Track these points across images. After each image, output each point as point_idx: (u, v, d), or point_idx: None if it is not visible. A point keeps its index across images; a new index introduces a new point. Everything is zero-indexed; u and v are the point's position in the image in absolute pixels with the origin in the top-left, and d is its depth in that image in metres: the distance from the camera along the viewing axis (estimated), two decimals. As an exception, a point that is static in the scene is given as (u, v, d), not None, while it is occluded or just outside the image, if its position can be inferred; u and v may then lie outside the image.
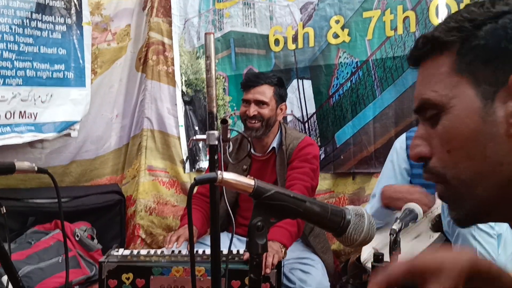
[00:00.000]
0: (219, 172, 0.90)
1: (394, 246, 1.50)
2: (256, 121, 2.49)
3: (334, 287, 2.52)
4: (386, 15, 2.82)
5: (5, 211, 1.52)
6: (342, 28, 2.95)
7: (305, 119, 3.12)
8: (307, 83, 3.09)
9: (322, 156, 3.08)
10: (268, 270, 1.98)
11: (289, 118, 3.16)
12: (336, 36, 2.98)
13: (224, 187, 1.34)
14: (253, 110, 2.48)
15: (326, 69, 3.02)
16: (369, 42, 2.89)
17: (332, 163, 3.05)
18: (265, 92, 2.52)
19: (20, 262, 2.68)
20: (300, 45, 3.09)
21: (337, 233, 0.93)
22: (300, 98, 3.10)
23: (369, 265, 2.00)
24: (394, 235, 1.51)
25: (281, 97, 2.59)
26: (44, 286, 2.65)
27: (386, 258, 1.53)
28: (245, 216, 2.53)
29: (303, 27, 3.07)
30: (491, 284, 0.78)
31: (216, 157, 1.56)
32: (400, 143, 2.25)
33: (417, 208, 1.71)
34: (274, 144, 2.58)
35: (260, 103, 2.50)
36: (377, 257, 1.49)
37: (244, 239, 2.63)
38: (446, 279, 0.70)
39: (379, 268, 1.44)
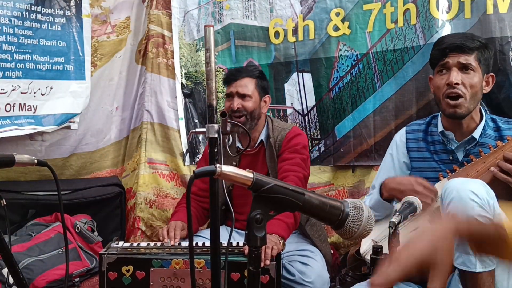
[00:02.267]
0: (218, 165, 0.90)
1: (393, 238, 1.50)
2: (240, 115, 2.50)
3: (333, 279, 2.53)
4: (386, 8, 2.81)
5: (5, 203, 1.53)
6: (343, 20, 2.94)
7: (305, 112, 3.12)
8: (307, 76, 3.08)
9: (322, 149, 3.08)
10: (267, 262, 1.99)
11: (289, 111, 3.16)
12: (336, 28, 2.97)
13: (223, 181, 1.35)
14: (236, 103, 2.49)
15: (326, 62, 3.01)
16: (369, 34, 2.88)
17: (332, 156, 3.05)
18: (247, 85, 2.53)
19: (20, 254, 2.69)
20: (300, 37, 3.08)
21: (335, 226, 0.94)
22: (300, 91, 3.10)
23: (368, 257, 2.00)
24: (393, 228, 1.51)
25: (263, 89, 2.60)
26: (45, 278, 2.66)
27: (385, 250, 1.54)
28: (239, 212, 2.54)
29: (303, 20, 3.06)
30: (478, 239, 0.84)
31: (216, 150, 1.56)
32: (400, 136, 2.25)
33: (417, 201, 1.71)
34: (262, 137, 2.59)
35: (243, 96, 2.51)
36: (376, 249, 1.50)
37: (241, 232, 2.66)
38: (442, 275, 0.78)
39: (379, 260, 1.45)
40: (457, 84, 1.93)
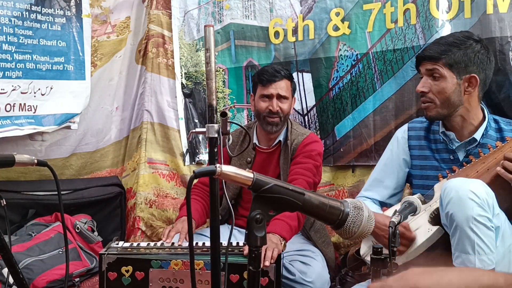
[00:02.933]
0: (218, 165, 0.90)
1: (393, 239, 1.50)
2: (277, 117, 2.51)
3: (333, 279, 2.53)
4: (386, 8, 2.81)
5: (5, 203, 1.53)
6: (342, 20, 2.94)
7: (305, 112, 3.12)
8: (307, 76, 3.08)
9: (322, 149, 3.08)
10: (267, 263, 1.98)
11: (289, 110, 3.16)
12: (336, 28, 2.97)
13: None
14: (276, 105, 2.49)
15: (326, 62, 3.01)
16: (369, 34, 2.88)
17: (332, 156, 3.05)
18: (286, 87, 2.54)
19: (20, 254, 2.69)
20: (300, 37, 3.08)
21: (335, 226, 0.94)
22: (300, 91, 3.10)
23: (368, 258, 2.00)
24: (393, 228, 1.51)
25: (294, 91, 2.64)
26: (45, 278, 2.66)
27: (385, 251, 1.54)
28: (247, 208, 2.53)
29: (303, 20, 3.06)
30: None
31: (215, 150, 1.56)
32: (402, 133, 2.24)
33: (416, 201, 1.71)
34: (281, 137, 2.59)
35: (282, 97, 2.51)
36: (376, 250, 1.50)
37: (244, 231, 2.64)
38: None
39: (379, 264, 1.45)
40: (422, 92, 2.02)
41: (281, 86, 2.52)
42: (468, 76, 1.96)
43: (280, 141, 2.59)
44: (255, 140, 2.65)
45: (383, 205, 2.22)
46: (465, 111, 1.99)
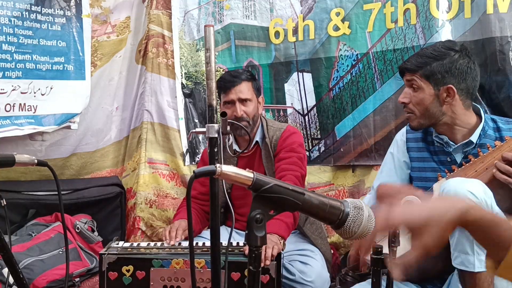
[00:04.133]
0: (218, 165, 0.90)
1: (393, 238, 1.50)
2: (243, 121, 2.49)
3: (333, 279, 2.53)
4: (386, 7, 2.82)
5: (5, 203, 1.53)
6: (343, 20, 2.95)
7: (305, 112, 3.12)
8: (307, 76, 3.09)
9: (322, 148, 3.08)
10: (268, 262, 1.99)
11: (289, 110, 3.17)
12: (336, 28, 2.97)
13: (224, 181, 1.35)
14: (240, 110, 2.49)
15: (326, 62, 3.02)
16: (369, 34, 2.88)
17: (332, 155, 3.06)
18: (246, 89, 2.52)
19: (21, 254, 2.69)
20: (301, 37, 3.08)
21: (336, 226, 0.94)
22: (300, 91, 3.10)
23: (368, 257, 2.00)
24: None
25: (258, 91, 2.61)
26: (45, 278, 2.66)
27: (385, 250, 1.54)
28: (239, 213, 2.54)
29: (304, 20, 3.07)
30: (486, 231, 0.84)
31: (216, 150, 1.56)
32: (400, 135, 2.25)
33: (416, 201, 1.71)
34: (257, 137, 2.59)
35: (244, 101, 2.51)
36: (376, 249, 1.50)
37: (241, 232, 2.66)
38: (430, 236, 0.80)
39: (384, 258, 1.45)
40: (403, 103, 2.08)
41: (240, 90, 2.50)
42: (446, 87, 1.97)
43: (257, 141, 2.59)
44: (234, 146, 2.64)
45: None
46: (450, 119, 2.00)
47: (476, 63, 2.02)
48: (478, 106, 2.07)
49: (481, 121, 2.01)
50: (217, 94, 2.60)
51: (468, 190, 1.61)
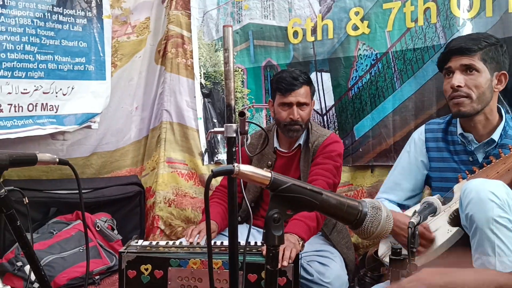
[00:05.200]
0: (236, 164, 0.90)
1: (412, 239, 1.49)
2: (297, 125, 2.48)
3: (352, 279, 2.51)
4: (406, 6, 2.79)
5: (27, 201, 1.55)
6: (362, 19, 2.93)
7: (324, 111, 3.11)
8: (326, 76, 3.07)
9: (341, 149, 3.07)
10: (285, 263, 1.98)
11: (307, 110, 3.15)
12: (355, 28, 2.95)
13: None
14: (297, 114, 2.46)
15: (345, 62, 3.00)
16: (389, 33, 2.86)
17: (350, 155, 3.04)
18: (306, 93, 2.50)
19: (42, 252, 2.74)
20: (319, 37, 3.07)
21: (353, 226, 0.93)
22: (319, 91, 3.09)
23: (386, 259, 1.99)
24: (413, 229, 1.50)
25: (313, 94, 2.60)
26: (66, 275, 2.70)
27: (404, 252, 1.52)
28: (267, 209, 2.53)
29: (322, 19, 3.05)
30: None
31: (234, 150, 1.56)
32: (418, 134, 2.22)
33: (436, 202, 1.70)
34: (301, 141, 2.57)
35: (302, 105, 2.49)
36: (395, 250, 1.49)
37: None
38: None
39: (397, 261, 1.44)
40: (459, 86, 1.94)
41: (300, 94, 2.47)
42: (499, 73, 1.94)
43: (300, 144, 2.58)
44: (275, 144, 2.63)
45: (401, 207, 2.20)
46: (489, 109, 1.96)
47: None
48: (499, 105, 2.04)
49: (502, 120, 1.98)
50: (271, 91, 2.62)
51: (490, 191, 1.59)
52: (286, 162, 2.60)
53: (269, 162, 2.60)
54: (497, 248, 1.58)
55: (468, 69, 1.93)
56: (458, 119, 2.07)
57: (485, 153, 1.97)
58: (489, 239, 1.58)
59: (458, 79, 1.94)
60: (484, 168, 1.91)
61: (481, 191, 1.60)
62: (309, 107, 2.53)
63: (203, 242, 2.21)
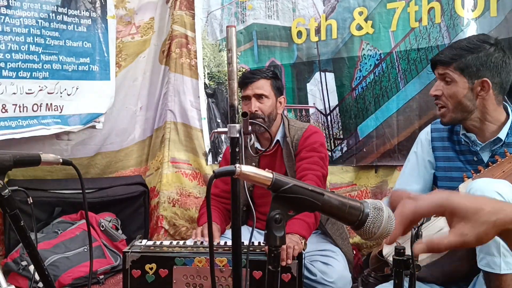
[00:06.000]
0: (237, 165, 0.90)
1: (416, 240, 1.49)
2: (258, 118, 2.49)
3: (355, 279, 2.51)
4: (410, 6, 2.79)
5: (31, 201, 1.56)
6: (366, 19, 2.93)
7: (328, 111, 3.11)
8: (330, 76, 3.07)
9: (345, 149, 3.07)
10: (289, 261, 1.99)
11: (311, 110, 3.16)
12: (359, 28, 2.95)
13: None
14: (254, 106, 2.49)
15: (349, 62, 3.00)
16: (393, 33, 2.86)
17: (354, 156, 3.04)
18: (263, 86, 2.52)
19: (47, 252, 2.75)
20: (323, 37, 3.07)
21: (355, 227, 0.93)
22: (323, 91, 3.09)
23: (390, 258, 1.99)
24: (416, 229, 1.50)
25: (279, 90, 2.60)
26: (70, 275, 2.71)
27: (408, 252, 1.52)
28: (260, 212, 2.54)
29: (326, 19, 3.05)
30: None
31: (237, 150, 1.57)
32: (425, 134, 2.22)
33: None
34: (278, 136, 2.58)
35: (260, 97, 2.51)
36: (399, 251, 1.49)
37: (263, 232, 2.66)
38: (474, 228, 0.76)
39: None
40: (436, 95, 2.00)
41: (257, 86, 2.51)
42: (480, 81, 1.92)
43: (278, 140, 2.59)
44: (256, 145, 2.65)
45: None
46: (481, 114, 1.96)
47: (510, 57, 1.97)
48: (507, 103, 2.03)
49: (508, 118, 1.97)
50: (239, 92, 2.64)
51: (496, 191, 1.59)
52: (269, 161, 2.60)
53: (253, 164, 2.61)
54: (502, 248, 1.58)
55: (445, 78, 1.97)
56: None
57: (492, 152, 1.97)
58: (494, 239, 1.57)
59: (436, 86, 2.01)
60: (490, 167, 1.90)
61: (487, 191, 1.60)
62: (270, 100, 2.53)
63: (206, 243, 2.22)
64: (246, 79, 2.55)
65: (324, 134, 2.85)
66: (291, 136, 2.54)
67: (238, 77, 2.17)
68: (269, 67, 3.23)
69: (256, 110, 2.48)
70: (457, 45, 1.98)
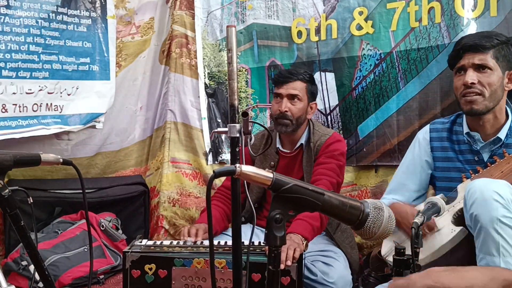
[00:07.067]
0: (238, 165, 0.90)
1: (416, 240, 1.49)
2: (286, 119, 2.48)
3: (356, 280, 2.51)
4: (410, 6, 2.79)
5: (32, 201, 1.56)
6: (366, 19, 2.92)
7: (328, 111, 3.10)
8: (330, 76, 3.07)
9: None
10: (288, 263, 1.98)
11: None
12: (359, 27, 2.95)
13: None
14: (285, 106, 2.47)
15: (349, 61, 3.00)
16: (393, 33, 2.86)
17: (354, 155, 3.04)
18: (298, 87, 2.51)
19: (47, 251, 2.75)
20: (323, 37, 3.07)
21: (355, 226, 0.93)
22: (323, 91, 3.09)
23: (390, 258, 1.99)
24: (416, 229, 1.50)
25: (312, 95, 2.59)
26: (70, 275, 2.71)
27: (408, 251, 1.52)
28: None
29: (326, 19, 3.05)
30: None
31: (237, 150, 1.56)
32: (423, 134, 2.21)
33: (440, 202, 1.69)
34: (302, 140, 2.57)
35: (293, 98, 2.49)
36: (399, 250, 1.49)
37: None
38: None
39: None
40: (472, 83, 1.92)
41: (293, 87, 2.50)
42: (510, 72, 1.94)
43: (302, 144, 2.58)
44: (278, 145, 2.63)
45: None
46: (498, 108, 1.96)
47: None
48: (507, 105, 2.04)
49: (508, 119, 1.97)
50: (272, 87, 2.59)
51: (494, 191, 1.58)
52: (288, 162, 2.59)
53: (272, 163, 2.60)
54: (501, 248, 1.58)
55: (480, 67, 1.92)
56: (464, 118, 2.06)
57: (491, 152, 1.97)
58: (494, 239, 1.57)
59: (471, 76, 1.92)
60: (489, 167, 1.90)
61: (486, 191, 1.60)
62: (302, 103, 2.52)
63: (206, 242, 2.21)
64: (282, 78, 2.53)
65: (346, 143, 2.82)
66: (314, 141, 2.53)
67: (238, 76, 2.17)
68: (269, 67, 3.23)
69: (286, 111, 2.47)
70: (488, 34, 1.97)
